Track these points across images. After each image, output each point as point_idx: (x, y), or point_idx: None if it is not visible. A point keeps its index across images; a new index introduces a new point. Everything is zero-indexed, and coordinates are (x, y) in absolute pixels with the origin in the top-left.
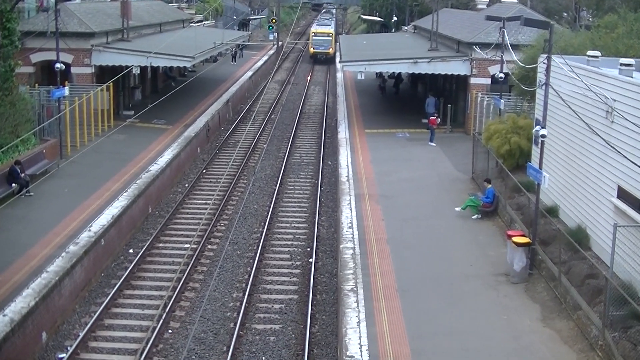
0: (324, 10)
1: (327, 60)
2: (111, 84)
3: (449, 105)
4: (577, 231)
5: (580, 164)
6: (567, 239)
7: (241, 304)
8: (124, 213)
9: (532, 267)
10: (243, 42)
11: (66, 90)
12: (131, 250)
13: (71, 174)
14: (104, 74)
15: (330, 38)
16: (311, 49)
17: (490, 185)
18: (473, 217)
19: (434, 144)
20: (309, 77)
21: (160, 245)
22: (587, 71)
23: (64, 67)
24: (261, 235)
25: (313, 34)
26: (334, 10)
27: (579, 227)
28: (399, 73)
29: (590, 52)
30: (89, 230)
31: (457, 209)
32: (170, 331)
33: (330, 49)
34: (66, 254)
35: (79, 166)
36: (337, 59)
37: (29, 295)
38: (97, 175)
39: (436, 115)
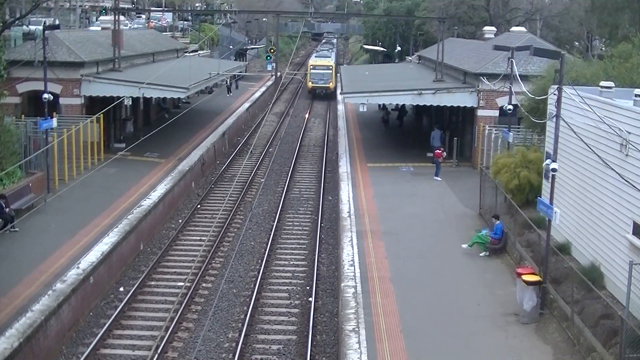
0: (324, 40)
1: (327, 96)
2: (101, 115)
3: (455, 138)
4: (590, 269)
5: (593, 199)
6: (579, 277)
7: (237, 345)
8: (114, 250)
9: (543, 306)
10: (240, 72)
11: (54, 122)
12: (122, 289)
13: (59, 209)
14: (94, 105)
15: (330, 71)
16: (309, 83)
17: (498, 221)
18: (481, 254)
19: (439, 179)
20: (306, 115)
21: (152, 283)
22: (600, 102)
23: (52, 97)
24: (258, 273)
25: (311, 66)
26: (334, 40)
27: (593, 265)
28: (403, 105)
29: (603, 83)
30: (77, 268)
31: (464, 246)
32: None
33: (331, 83)
34: (53, 292)
35: (67, 201)
36: (339, 93)
37: (12, 335)
38: (86, 211)
39: (442, 148)
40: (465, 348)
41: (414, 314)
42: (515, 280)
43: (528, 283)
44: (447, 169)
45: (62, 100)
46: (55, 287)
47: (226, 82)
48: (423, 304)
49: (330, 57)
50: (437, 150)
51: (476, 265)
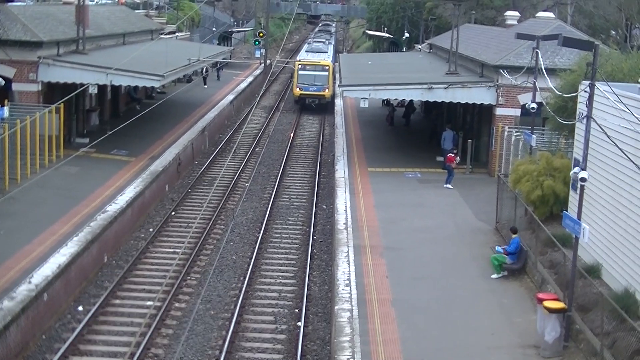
0: (318, 28)
1: (320, 108)
2: (62, 105)
3: (470, 140)
4: (624, 296)
5: (628, 214)
6: (611, 305)
7: None
8: (73, 262)
9: (567, 338)
10: (224, 59)
11: (5, 111)
12: (80, 308)
13: (9, 214)
14: (53, 92)
15: (326, 73)
16: (296, 90)
17: (515, 235)
18: (493, 276)
19: (450, 187)
20: (291, 134)
21: (117, 302)
22: (638, 102)
23: (3, 82)
24: (240, 292)
25: (300, 65)
26: (333, 27)
27: (627, 291)
28: (411, 101)
29: None
30: (29, 283)
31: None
32: None
33: (327, 91)
34: None
35: (19, 204)
36: (337, 85)
37: None
38: (42, 216)
39: (454, 152)
40: None
41: (419, 343)
42: (536, 307)
43: (551, 311)
44: (460, 176)
45: (15, 86)
46: (2, 305)
47: (202, 71)
48: (429, 332)
49: (326, 52)
50: (449, 155)
51: (491, 288)
